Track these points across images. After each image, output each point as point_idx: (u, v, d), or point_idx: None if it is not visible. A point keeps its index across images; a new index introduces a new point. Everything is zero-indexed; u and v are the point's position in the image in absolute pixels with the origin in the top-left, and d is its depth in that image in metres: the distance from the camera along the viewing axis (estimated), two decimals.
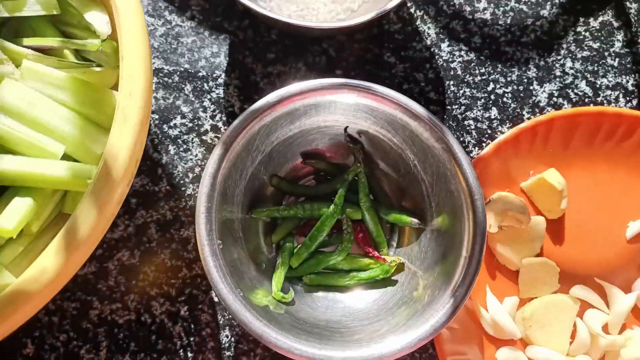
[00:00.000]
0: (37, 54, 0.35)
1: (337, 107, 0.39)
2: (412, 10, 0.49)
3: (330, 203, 0.41)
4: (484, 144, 0.46)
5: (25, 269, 0.32)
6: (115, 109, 0.34)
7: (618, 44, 0.49)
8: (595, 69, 0.48)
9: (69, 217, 0.34)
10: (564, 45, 0.49)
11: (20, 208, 0.31)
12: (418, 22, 0.48)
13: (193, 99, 0.46)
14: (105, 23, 0.34)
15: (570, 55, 0.49)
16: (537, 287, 0.43)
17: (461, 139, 0.46)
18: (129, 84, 0.31)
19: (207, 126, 0.45)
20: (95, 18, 0.34)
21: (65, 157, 0.33)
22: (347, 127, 0.41)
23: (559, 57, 0.49)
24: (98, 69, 0.35)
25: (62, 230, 0.29)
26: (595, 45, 0.49)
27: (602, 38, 0.49)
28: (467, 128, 0.47)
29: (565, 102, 0.48)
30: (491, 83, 0.48)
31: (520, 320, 0.42)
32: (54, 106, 0.33)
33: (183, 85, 0.46)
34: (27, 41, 0.35)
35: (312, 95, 0.38)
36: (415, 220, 0.41)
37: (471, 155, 0.46)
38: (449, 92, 0.47)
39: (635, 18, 0.50)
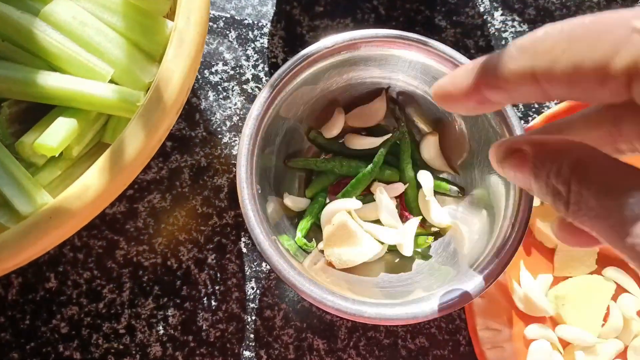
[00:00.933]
0: None
1: (388, 62, 0.38)
2: None
3: (368, 163, 0.39)
4: (530, 118, 0.45)
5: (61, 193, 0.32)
6: (165, 38, 0.33)
7: None
8: None
9: (107, 147, 0.34)
10: None
11: (64, 127, 0.30)
12: None
13: (237, 46, 0.44)
14: None
15: None
16: (573, 267, 0.41)
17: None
18: (187, 6, 0.29)
19: (248, 75, 0.44)
20: None
21: (111, 82, 0.32)
22: (388, 86, 0.39)
23: None
24: None
25: (108, 150, 0.28)
26: None
27: None
28: None
29: None
30: None
31: (552, 298, 0.40)
32: (105, 29, 0.32)
33: (227, 32, 0.45)
34: None
35: (367, 46, 0.36)
36: (455, 188, 0.40)
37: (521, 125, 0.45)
38: None
39: None
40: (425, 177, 0.39)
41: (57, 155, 0.31)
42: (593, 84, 0.18)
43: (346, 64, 0.37)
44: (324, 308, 0.32)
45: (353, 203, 0.39)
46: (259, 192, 0.35)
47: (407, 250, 0.38)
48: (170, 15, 0.35)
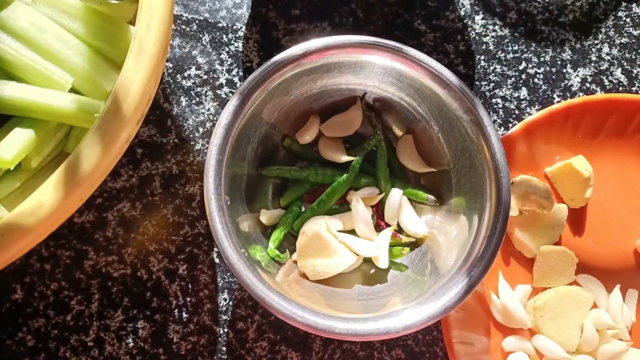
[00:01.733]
0: None
1: (363, 69, 0.37)
2: None
3: (344, 171, 0.38)
4: (510, 125, 0.44)
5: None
6: (129, 45, 0.32)
7: None
8: (633, 57, 0.46)
9: None
10: (603, 30, 0.46)
11: (20, 139, 0.29)
12: None
13: (210, 50, 0.43)
14: None
15: (608, 40, 0.46)
16: (552, 277, 0.41)
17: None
18: (148, 13, 0.28)
19: (222, 80, 0.43)
20: None
21: (73, 91, 0.31)
22: (364, 93, 0.38)
23: (596, 42, 0.46)
24: (115, 1, 0.33)
25: (64, 164, 0.27)
26: (636, 33, 0.47)
27: None
28: (495, 107, 0.44)
29: (598, 89, 0.45)
30: (523, 62, 0.45)
31: (531, 309, 0.40)
32: (66, 35, 0.31)
33: (201, 35, 0.43)
34: None
35: (340, 53, 0.35)
36: (432, 197, 0.39)
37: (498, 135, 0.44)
38: (478, 67, 0.45)
39: None
40: (395, 195, 0.38)
41: (15, 166, 0.30)
42: None
43: (319, 70, 0.36)
44: (293, 324, 0.31)
45: (334, 224, 0.38)
46: (228, 203, 0.33)
47: (382, 262, 0.37)
48: (135, 21, 0.34)
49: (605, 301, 0.40)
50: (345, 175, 0.38)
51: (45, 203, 0.26)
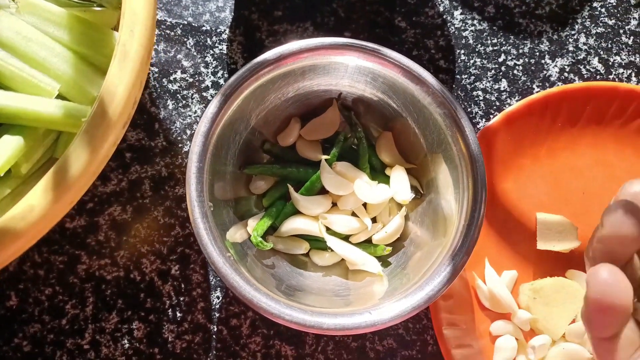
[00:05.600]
0: None
1: (337, 70, 0.37)
2: None
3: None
4: (491, 116, 0.45)
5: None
6: (113, 51, 0.32)
7: (634, 22, 0.48)
8: (609, 46, 0.47)
9: None
10: (579, 20, 0.48)
11: (9, 145, 0.30)
12: None
13: (195, 53, 0.44)
14: None
15: (584, 30, 0.47)
16: (555, 240, 0.42)
17: (469, 109, 0.45)
18: (131, 19, 0.29)
19: (208, 82, 0.44)
20: None
21: (60, 97, 0.32)
22: (340, 93, 0.39)
23: (572, 32, 0.47)
24: (99, 8, 0.34)
25: (52, 169, 0.27)
26: (611, 22, 0.48)
27: (618, 15, 0.48)
28: (476, 99, 0.45)
29: (576, 78, 0.46)
30: (502, 54, 0.46)
31: (526, 290, 0.40)
32: (51, 43, 0.32)
33: (185, 39, 0.44)
34: None
35: (311, 56, 0.36)
36: (412, 192, 0.40)
37: (478, 127, 0.45)
38: (459, 61, 0.46)
39: None
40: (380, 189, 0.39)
41: (5, 173, 0.31)
42: None
43: (294, 74, 0.37)
44: (282, 322, 0.32)
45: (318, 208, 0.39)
46: (212, 209, 0.34)
47: (371, 267, 0.38)
48: (118, 27, 0.35)
49: None
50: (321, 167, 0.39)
51: (35, 207, 0.27)
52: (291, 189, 0.38)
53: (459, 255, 0.34)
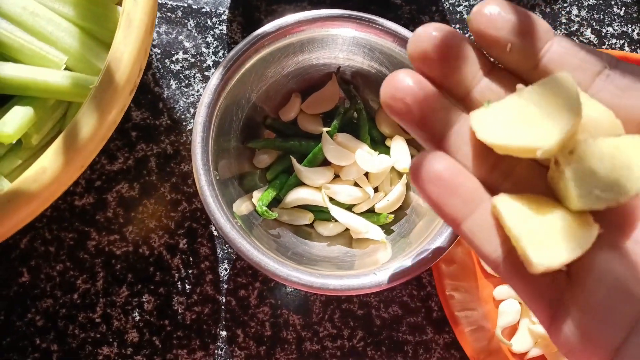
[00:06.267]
0: None
1: (335, 42, 0.38)
2: None
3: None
4: None
5: None
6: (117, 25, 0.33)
7: None
8: (601, 17, 0.48)
9: None
10: None
11: (20, 115, 0.31)
12: None
13: (196, 34, 0.45)
14: None
15: (576, 2, 0.48)
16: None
17: None
18: None
19: (209, 62, 0.45)
20: None
21: (66, 70, 0.33)
22: (339, 67, 0.40)
23: (565, 5, 0.48)
24: None
25: (63, 133, 0.28)
26: None
27: None
28: None
29: None
30: None
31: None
32: (57, 18, 0.33)
33: (186, 21, 0.45)
34: None
35: (309, 28, 0.37)
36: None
37: None
38: None
39: None
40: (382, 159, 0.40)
41: (16, 144, 0.32)
42: None
43: (292, 46, 0.37)
44: (289, 285, 0.33)
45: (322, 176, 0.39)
46: (217, 177, 0.35)
47: (374, 235, 0.38)
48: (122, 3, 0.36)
49: None
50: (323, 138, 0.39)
51: (47, 169, 0.28)
52: (294, 161, 0.39)
53: None
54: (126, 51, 0.29)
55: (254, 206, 0.39)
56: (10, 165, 0.32)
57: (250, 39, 0.36)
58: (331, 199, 0.40)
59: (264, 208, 0.37)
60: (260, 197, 0.38)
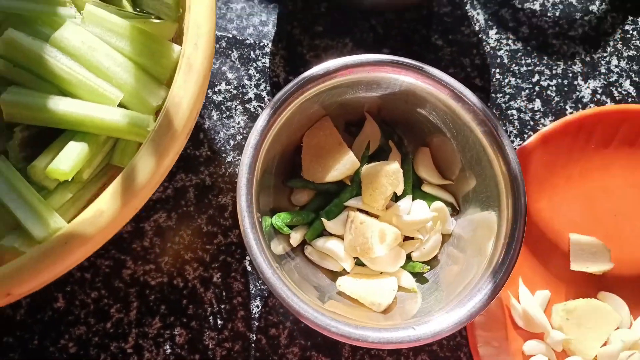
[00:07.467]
0: (98, 0, 0.34)
1: (379, 85, 0.38)
2: None
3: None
4: (525, 135, 0.46)
5: (73, 216, 0.32)
6: (173, 62, 0.34)
7: None
8: None
9: (115, 169, 0.34)
10: (611, 43, 0.49)
11: (75, 152, 0.31)
12: (468, 6, 0.48)
13: (239, 66, 0.45)
14: None
15: (616, 53, 0.48)
16: (589, 262, 0.43)
17: (503, 128, 0.46)
18: (195, 32, 0.30)
19: (251, 94, 0.45)
20: None
21: (119, 106, 0.33)
22: (380, 110, 0.40)
23: (605, 54, 0.48)
24: (157, 20, 0.35)
25: (120, 175, 0.28)
26: None
27: None
28: (510, 118, 0.46)
29: (608, 100, 0.47)
30: (536, 74, 0.47)
31: (559, 310, 0.41)
32: (114, 53, 0.33)
33: (230, 52, 0.45)
34: None
35: (356, 71, 0.37)
36: (448, 208, 0.40)
37: (512, 145, 0.46)
38: (494, 80, 0.47)
39: None
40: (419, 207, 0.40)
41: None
42: None
43: (338, 88, 0.37)
44: (328, 334, 0.33)
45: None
46: (260, 219, 0.35)
47: (406, 282, 0.38)
48: (176, 39, 0.36)
49: (628, 318, 0.42)
50: (349, 188, 0.39)
51: (104, 212, 0.28)
52: (324, 221, 0.39)
53: (500, 273, 0.35)
54: (185, 96, 0.29)
55: (290, 246, 0.39)
56: (61, 199, 0.32)
57: (298, 81, 0.36)
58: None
59: (281, 222, 0.37)
60: (280, 217, 0.38)
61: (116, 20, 0.33)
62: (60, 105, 0.31)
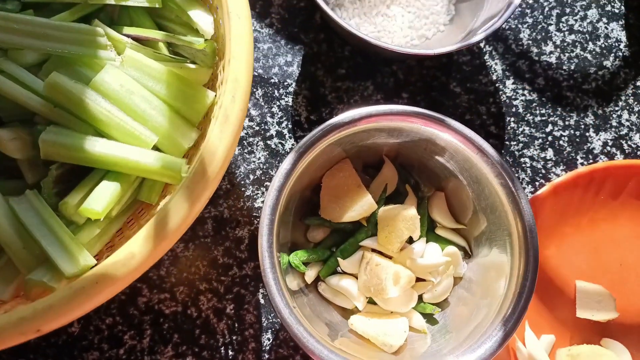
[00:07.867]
0: (136, 43, 0.36)
1: (401, 133, 0.40)
2: (481, 44, 0.50)
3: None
4: (537, 183, 0.47)
5: (99, 250, 0.33)
6: (205, 107, 0.35)
7: None
8: None
9: (140, 203, 0.35)
10: (623, 97, 0.50)
11: (108, 192, 0.32)
12: (486, 57, 0.50)
13: (263, 103, 0.46)
14: (209, 23, 0.35)
15: (627, 107, 0.50)
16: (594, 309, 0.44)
17: (516, 175, 0.47)
18: (233, 86, 0.31)
19: (272, 131, 0.46)
20: (200, 17, 0.35)
21: (153, 148, 0.34)
22: (398, 155, 0.41)
23: (616, 108, 0.50)
24: (192, 65, 0.36)
25: (153, 219, 0.29)
26: None
27: None
28: (523, 165, 0.48)
29: (617, 152, 0.49)
30: (550, 125, 0.49)
31: (563, 355, 0.42)
32: (150, 97, 0.34)
33: (255, 89, 0.47)
34: (128, 30, 0.36)
35: (380, 120, 0.38)
36: (461, 252, 0.42)
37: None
38: (508, 128, 0.48)
39: None
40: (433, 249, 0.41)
41: None
42: None
43: (361, 133, 0.39)
44: None
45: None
46: (280, 259, 0.36)
47: (416, 323, 0.40)
48: (208, 84, 0.37)
49: None
50: (365, 230, 0.41)
51: (136, 255, 0.29)
52: (340, 260, 0.40)
53: (510, 321, 0.36)
54: (221, 145, 0.31)
55: (305, 283, 0.40)
56: (89, 234, 0.33)
57: (323, 127, 0.37)
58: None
59: (298, 260, 0.38)
60: (298, 254, 0.39)
61: (154, 65, 0.34)
62: (97, 146, 0.32)
